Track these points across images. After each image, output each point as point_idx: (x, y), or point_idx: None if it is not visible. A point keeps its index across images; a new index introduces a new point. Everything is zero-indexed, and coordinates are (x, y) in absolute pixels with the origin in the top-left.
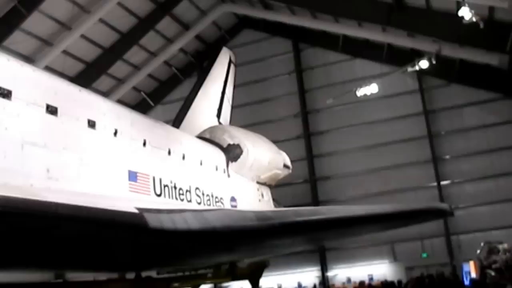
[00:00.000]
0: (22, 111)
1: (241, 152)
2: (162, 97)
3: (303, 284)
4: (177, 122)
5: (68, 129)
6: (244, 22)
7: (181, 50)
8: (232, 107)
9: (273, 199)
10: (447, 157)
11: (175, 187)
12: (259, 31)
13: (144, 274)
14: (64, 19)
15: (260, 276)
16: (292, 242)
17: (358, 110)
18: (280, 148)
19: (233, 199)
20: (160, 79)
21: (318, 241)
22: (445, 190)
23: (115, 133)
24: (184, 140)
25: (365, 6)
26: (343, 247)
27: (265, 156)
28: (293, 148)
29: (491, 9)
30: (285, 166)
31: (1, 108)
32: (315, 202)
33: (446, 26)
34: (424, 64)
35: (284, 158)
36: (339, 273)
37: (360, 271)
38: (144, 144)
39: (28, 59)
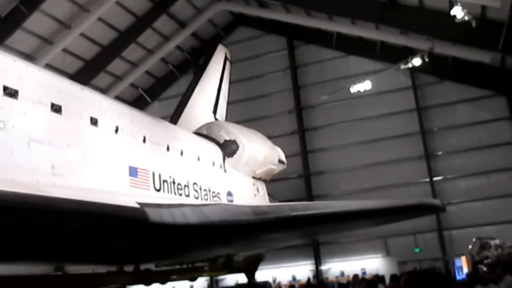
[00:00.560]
0: (28, 110)
1: (237, 147)
2: (159, 94)
3: (297, 278)
4: (174, 118)
5: (71, 127)
6: (239, 20)
7: (178, 47)
8: (228, 103)
9: (268, 194)
10: (440, 153)
11: (173, 182)
12: (254, 28)
13: (142, 267)
14: (64, 18)
15: (256, 269)
16: (287, 236)
17: (351, 106)
18: (275, 143)
19: (229, 193)
20: (157, 76)
21: (313, 235)
22: (438, 185)
23: (116, 130)
24: (182, 136)
25: (358, 4)
26: (336, 242)
27: (260, 152)
28: (287, 143)
29: (484, 8)
30: (280, 161)
31: (8, 107)
32: (309, 196)
33: (439, 24)
34: (417, 61)
35: (279, 153)
36: (332, 266)
37: (353, 265)
38: (144, 140)
39: (29, 57)
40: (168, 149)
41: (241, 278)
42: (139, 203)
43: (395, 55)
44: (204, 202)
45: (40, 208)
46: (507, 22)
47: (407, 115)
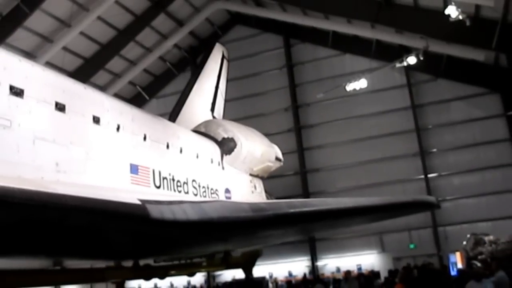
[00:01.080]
0: (33, 109)
1: (235, 145)
2: (157, 91)
3: (294, 273)
4: (173, 116)
5: (75, 125)
6: (236, 19)
7: (175, 45)
8: (225, 101)
9: (265, 191)
10: (434, 150)
11: (173, 179)
12: (251, 27)
13: (142, 262)
14: (64, 17)
15: (253, 265)
16: (285, 232)
17: (347, 104)
18: (272, 141)
19: (227, 190)
20: (155, 74)
21: (309, 231)
22: (432, 182)
23: (118, 128)
24: (181, 134)
25: (354, 4)
26: (332, 238)
27: (257, 149)
28: (284, 141)
29: (477, 7)
30: (277, 158)
31: (14, 106)
32: (306, 193)
33: (434, 23)
34: (412, 60)
35: (276, 151)
36: (328, 262)
37: (349, 261)
38: (145, 138)
39: (29, 55)
40: (167, 146)
41: (238, 273)
42: (140, 200)
43: (391, 53)
44: (203, 199)
45: (46, 204)
46: (500, 20)
47: (402, 112)
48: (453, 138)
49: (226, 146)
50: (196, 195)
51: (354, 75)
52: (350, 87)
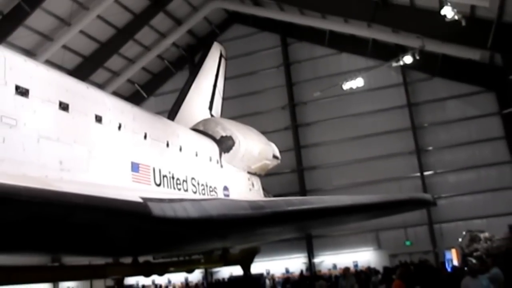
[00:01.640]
0: (38, 108)
1: (233, 143)
2: (155, 89)
3: (291, 270)
4: (172, 114)
5: (78, 124)
6: (234, 18)
7: (174, 44)
8: (223, 99)
9: (263, 188)
10: (430, 148)
11: (173, 177)
12: (248, 26)
13: (142, 259)
14: (64, 15)
15: (251, 261)
16: (282, 229)
17: (344, 102)
18: (269, 139)
19: (225, 188)
20: (153, 72)
21: (307, 228)
22: (428, 180)
23: (119, 127)
24: (180, 132)
25: (351, 4)
26: (329, 235)
27: (255, 147)
28: (281, 139)
29: (473, 7)
30: (274, 156)
31: (20, 105)
32: (303, 191)
33: (430, 23)
34: (408, 59)
35: (273, 149)
36: (325, 259)
37: (345, 258)
38: (145, 137)
39: (30, 53)
40: (167, 145)
41: (235, 270)
42: (142, 198)
43: (387, 52)
44: (202, 196)
45: (51, 202)
46: (495, 20)
47: (398, 111)
48: (448, 136)
49: (225, 144)
50: (195, 192)
51: (351, 74)
52: (346, 85)
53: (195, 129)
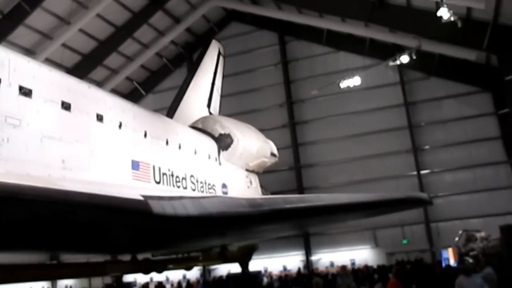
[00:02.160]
0: (41, 108)
1: (232, 141)
2: (153, 87)
3: (288, 268)
4: (171, 112)
5: (80, 123)
6: (232, 16)
7: (172, 42)
8: (221, 97)
9: (261, 186)
10: (427, 147)
11: (172, 175)
12: (246, 24)
13: (141, 256)
14: (63, 14)
15: (249, 259)
16: (280, 227)
17: (341, 101)
18: (266, 136)
19: (224, 185)
20: (152, 70)
21: (304, 226)
22: (425, 179)
23: (120, 126)
24: (180, 130)
25: (348, 3)
26: (326, 233)
27: (253, 145)
28: (278, 136)
29: (469, 9)
30: (272, 154)
31: (23, 106)
32: (300, 188)
33: (426, 24)
34: (404, 59)
35: (271, 146)
36: (322, 257)
37: (342, 255)
38: (145, 135)
39: (29, 51)
40: (167, 143)
41: (233, 268)
42: (143, 196)
43: (384, 51)
44: (201, 194)
45: (55, 200)
46: (491, 22)
47: (395, 110)
48: (445, 135)
49: (223, 142)
50: (194, 190)
51: (348, 72)
52: (344, 84)
53: (193, 126)
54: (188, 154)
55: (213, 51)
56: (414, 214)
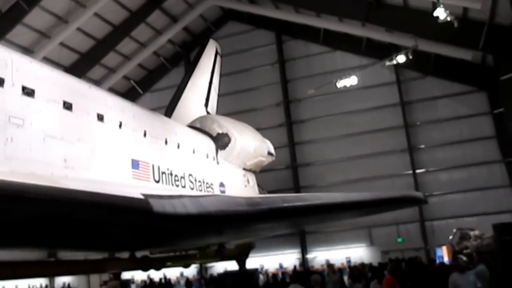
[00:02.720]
0: (43, 108)
1: (229, 140)
2: (150, 85)
3: (284, 265)
4: (169, 111)
5: (81, 123)
6: (229, 15)
7: (169, 41)
8: (218, 96)
9: (257, 185)
10: (422, 146)
11: (171, 174)
12: (243, 23)
13: (140, 254)
14: (61, 13)
15: (246, 257)
16: (278, 225)
17: (338, 100)
18: (263, 135)
19: (222, 184)
20: (149, 68)
21: (301, 224)
22: (420, 178)
23: (120, 125)
24: (178, 130)
25: (345, 3)
26: (322, 231)
27: (251, 144)
28: (275, 135)
29: (465, 9)
30: (269, 153)
31: (26, 105)
32: (296, 187)
33: (423, 24)
34: (401, 59)
35: (268, 146)
36: (318, 255)
37: (338, 254)
38: (145, 134)
39: (27, 50)
40: (166, 142)
41: (230, 265)
42: (143, 195)
43: (381, 51)
44: (200, 193)
45: (58, 199)
46: (487, 22)
47: (391, 109)
48: (440, 134)
49: (221, 141)
50: (192, 189)
51: (345, 72)
52: (340, 83)
53: (192, 126)
54: (186, 153)
55: (210, 50)
56: (409, 213)
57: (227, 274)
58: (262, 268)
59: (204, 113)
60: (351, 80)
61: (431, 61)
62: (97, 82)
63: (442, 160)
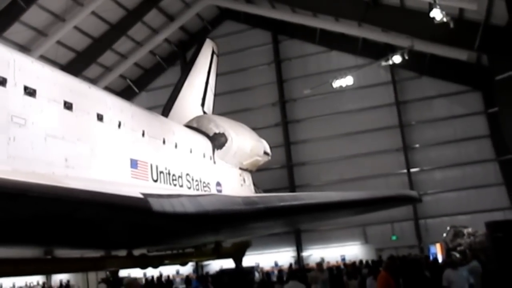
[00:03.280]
0: (44, 108)
1: (226, 140)
2: (147, 84)
3: (280, 263)
4: (166, 111)
5: (81, 123)
6: (226, 14)
7: (166, 40)
8: (214, 96)
9: (253, 184)
10: (417, 145)
11: (169, 174)
12: (240, 22)
13: (137, 252)
14: (59, 11)
15: (243, 255)
16: (274, 224)
17: (333, 100)
18: (259, 135)
19: (218, 184)
20: (145, 67)
21: (297, 223)
22: (415, 177)
23: (119, 125)
24: (176, 130)
25: (342, 3)
26: (317, 229)
27: (247, 144)
28: (271, 135)
29: (461, 9)
30: (265, 153)
31: (28, 105)
32: (292, 186)
33: (419, 24)
34: (397, 59)
35: (264, 145)
36: (313, 253)
37: (333, 252)
38: (143, 134)
39: (24, 48)
40: (164, 142)
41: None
42: (142, 194)
43: (376, 51)
44: (198, 192)
45: (60, 198)
46: (483, 23)
47: (386, 109)
48: (435, 134)
49: (218, 141)
50: (190, 188)
51: (341, 72)
52: (336, 83)
53: (189, 126)
54: (184, 153)
55: (207, 49)
56: (403, 211)
57: (224, 272)
58: (258, 266)
59: (201, 113)
60: (347, 80)
61: (426, 61)
62: (93, 81)
63: (437, 159)
